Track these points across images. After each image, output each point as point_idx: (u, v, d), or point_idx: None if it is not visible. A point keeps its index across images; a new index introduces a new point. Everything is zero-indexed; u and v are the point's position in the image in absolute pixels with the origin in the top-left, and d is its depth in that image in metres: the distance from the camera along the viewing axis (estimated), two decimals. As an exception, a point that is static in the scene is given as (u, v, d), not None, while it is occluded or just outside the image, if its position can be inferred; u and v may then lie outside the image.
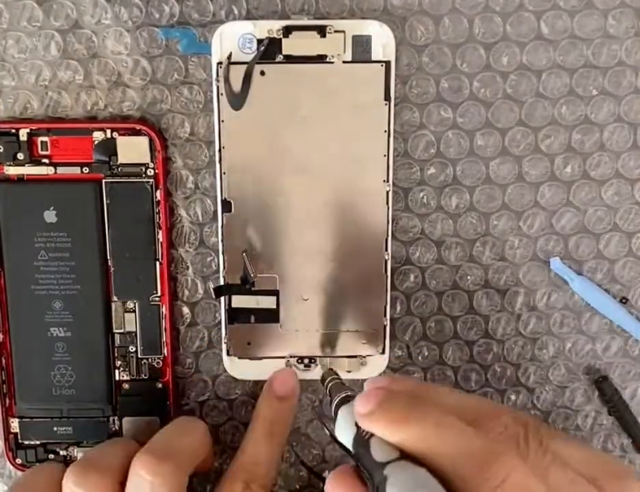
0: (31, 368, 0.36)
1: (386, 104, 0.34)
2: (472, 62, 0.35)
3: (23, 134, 0.35)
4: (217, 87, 0.34)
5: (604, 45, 0.35)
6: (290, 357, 0.37)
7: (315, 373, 0.37)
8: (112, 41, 0.35)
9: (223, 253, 0.36)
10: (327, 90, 0.34)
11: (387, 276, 0.36)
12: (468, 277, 0.37)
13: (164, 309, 0.37)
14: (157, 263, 0.36)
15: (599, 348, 0.38)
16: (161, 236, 0.36)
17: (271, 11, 0.35)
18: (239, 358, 0.37)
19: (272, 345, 0.37)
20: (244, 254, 0.35)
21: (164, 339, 0.37)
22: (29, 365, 0.36)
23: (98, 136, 0.35)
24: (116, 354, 0.37)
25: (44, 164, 0.35)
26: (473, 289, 0.38)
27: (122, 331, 0.37)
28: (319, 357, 0.37)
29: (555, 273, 0.37)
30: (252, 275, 0.35)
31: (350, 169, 0.35)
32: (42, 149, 0.35)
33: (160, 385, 0.37)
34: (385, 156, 0.35)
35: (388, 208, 0.36)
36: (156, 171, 0.35)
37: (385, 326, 0.37)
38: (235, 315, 0.36)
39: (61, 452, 0.38)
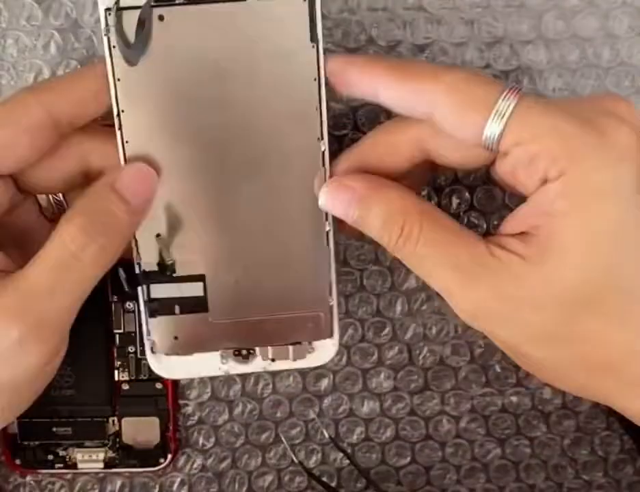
0: None
1: (313, 46, 0.29)
2: (472, 62, 0.35)
3: None
4: (108, 39, 0.29)
5: (605, 45, 0.35)
6: (225, 349, 0.33)
7: (255, 365, 0.33)
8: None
9: (134, 237, 0.31)
10: (242, 34, 0.29)
11: (330, 249, 0.32)
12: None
13: None
14: None
15: (600, 348, 0.38)
16: None
17: None
18: (166, 354, 0.33)
19: (202, 338, 0.32)
20: (158, 237, 0.31)
21: None
22: None
23: None
24: (116, 355, 0.37)
25: None
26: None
27: (121, 331, 0.36)
28: (258, 347, 0.33)
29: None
30: (169, 261, 0.31)
31: (278, 126, 0.30)
32: None
33: (159, 386, 0.37)
34: (317, 109, 0.30)
35: (325, 169, 0.31)
36: None
37: (331, 307, 0.32)
38: (157, 307, 0.32)
39: (61, 453, 0.37)
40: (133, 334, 0.36)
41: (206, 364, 0.32)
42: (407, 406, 0.38)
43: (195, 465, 0.38)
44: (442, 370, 0.38)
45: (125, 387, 0.37)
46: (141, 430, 0.37)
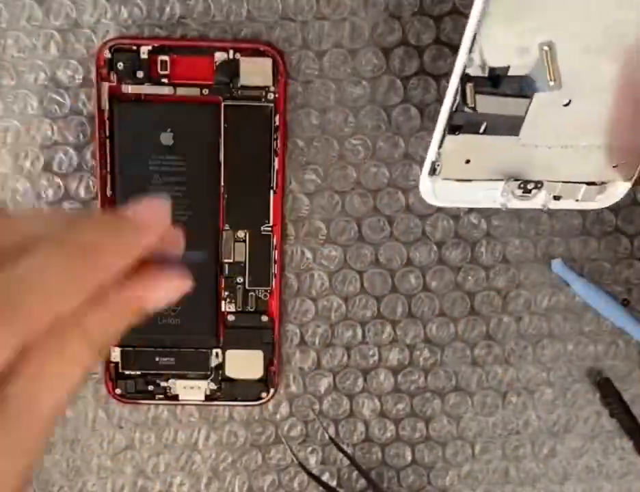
0: None
1: None
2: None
3: (144, 52, 0.34)
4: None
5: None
6: (511, 179, 0.28)
7: (536, 201, 0.28)
8: (112, 40, 0.35)
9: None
10: None
11: None
12: (469, 278, 0.37)
13: (275, 240, 0.35)
14: (271, 192, 0.34)
15: (600, 349, 0.38)
16: (277, 163, 0.34)
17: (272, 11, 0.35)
18: (446, 179, 0.28)
19: (495, 163, 0.27)
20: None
21: (273, 270, 0.35)
22: None
23: (219, 57, 0.34)
24: (223, 285, 0.35)
25: (164, 84, 0.34)
26: (474, 290, 0.37)
27: (230, 261, 0.35)
28: (548, 181, 0.28)
29: (556, 275, 0.37)
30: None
31: None
32: (161, 69, 0.34)
33: (265, 318, 0.36)
34: None
35: None
36: (277, 95, 0.34)
37: None
38: (463, 122, 0.26)
39: (162, 384, 0.36)
40: (242, 264, 0.35)
41: (483, 194, 0.29)
42: (407, 407, 0.38)
43: (194, 466, 0.38)
44: (442, 371, 0.38)
45: (231, 318, 0.36)
46: (244, 363, 0.36)
